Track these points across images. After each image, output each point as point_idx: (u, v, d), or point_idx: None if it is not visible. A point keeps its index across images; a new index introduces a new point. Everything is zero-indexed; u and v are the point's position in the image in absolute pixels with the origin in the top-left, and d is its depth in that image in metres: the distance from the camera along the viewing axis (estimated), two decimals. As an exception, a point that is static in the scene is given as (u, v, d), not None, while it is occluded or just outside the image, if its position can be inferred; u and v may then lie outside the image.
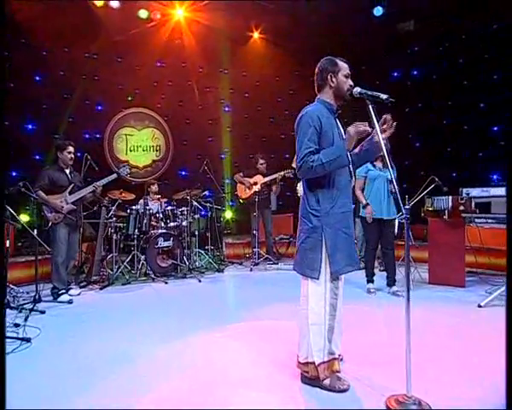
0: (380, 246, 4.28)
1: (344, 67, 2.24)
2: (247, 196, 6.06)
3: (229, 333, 3.07)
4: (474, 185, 4.51)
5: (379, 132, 2.05)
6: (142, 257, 5.01)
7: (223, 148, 7.92)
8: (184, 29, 7.20)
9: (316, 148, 2.07)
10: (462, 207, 4.27)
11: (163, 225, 5.30)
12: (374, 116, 2.04)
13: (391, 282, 4.24)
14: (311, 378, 2.22)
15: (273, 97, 7.89)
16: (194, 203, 5.69)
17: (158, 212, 5.33)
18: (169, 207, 5.48)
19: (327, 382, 2.19)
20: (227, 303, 4.13)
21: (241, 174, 6.18)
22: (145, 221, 5.15)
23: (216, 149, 7.74)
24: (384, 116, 2.13)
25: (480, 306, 3.60)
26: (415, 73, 7.31)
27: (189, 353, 2.71)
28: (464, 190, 4.04)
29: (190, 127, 7.62)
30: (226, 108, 8.04)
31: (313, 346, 2.17)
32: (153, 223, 5.31)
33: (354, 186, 4.15)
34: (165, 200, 5.75)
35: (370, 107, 2.05)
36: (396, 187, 2.21)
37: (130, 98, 7.23)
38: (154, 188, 5.78)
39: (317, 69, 2.28)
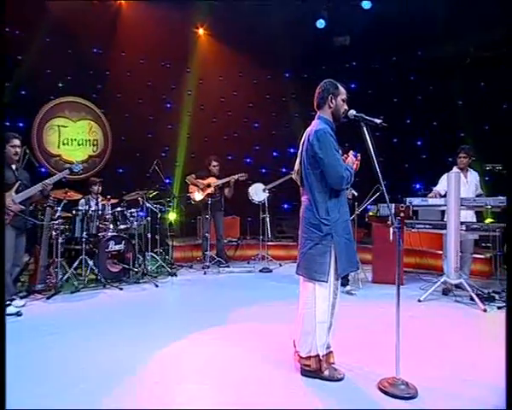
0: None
1: (343, 91, 2.53)
2: (199, 199, 6.11)
3: (215, 336, 3.19)
4: (399, 194, 5.29)
5: (372, 153, 2.38)
6: (91, 262, 4.75)
7: (164, 145, 7.77)
8: (125, 16, 6.91)
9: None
10: (402, 214, 5.00)
11: (112, 227, 5.09)
12: (368, 138, 2.35)
13: (345, 281, 4.72)
14: (311, 371, 2.50)
15: (216, 97, 8.00)
16: (146, 204, 5.54)
17: (107, 213, 5.09)
18: (119, 209, 5.29)
19: (326, 373, 2.50)
20: (200, 307, 4.13)
21: (194, 176, 6.20)
22: (93, 223, 4.88)
23: (156, 146, 7.54)
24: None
25: (419, 300, 4.31)
26: (352, 86, 8.13)
27: (181, 358, 2.78)
28: (408, 200, 4.74)
29: (129, 122, 7.32)
30: (168, 105, 7.91)
31: (318, 341, 2.48)
32: (101, 225, 5.06)
33: None
34: (115, 200, 5.48)
35: (365, 129, 2.37)
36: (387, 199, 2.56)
37: (61, 85, 6.65)
38: (96, 188, 5.43)
39: (319, 88, 2.53)
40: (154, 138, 7.61)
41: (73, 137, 6.91)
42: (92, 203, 5.27)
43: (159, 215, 5.94)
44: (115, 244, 4.95)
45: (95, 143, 7.20)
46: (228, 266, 6.12)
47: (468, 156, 4.70)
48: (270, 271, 5.93)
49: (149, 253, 5.63)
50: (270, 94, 8.21)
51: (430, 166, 6.59)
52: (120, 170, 7.41)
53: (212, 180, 6.13)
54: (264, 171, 8.05)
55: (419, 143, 7.75)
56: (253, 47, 7.53)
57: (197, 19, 7.64)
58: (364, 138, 2.34)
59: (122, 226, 5.23)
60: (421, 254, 5.90)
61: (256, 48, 7.53)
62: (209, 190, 6.07)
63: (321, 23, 7.35)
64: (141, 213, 5.72)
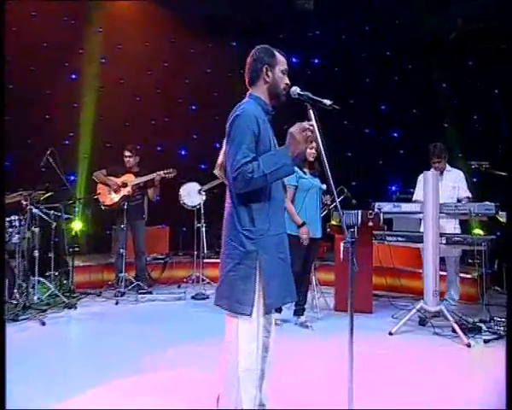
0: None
1: (281, 60, 2.42)
2: (112, 202, 5.90)
3: (120, 392, 3.01)
4: (375, 197, 5.37)
5: (319, 140, 2.30)
6: None
7: (67, 131, 7.46)
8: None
9: (253, 156, 2.21)
10: (370, 224, 5.06)
11: None
12: (314, 121, 2.27)
13: (300, 311, 4.67)
14: (238, 433, 2.36)
15: (141, 69, 7.82)
16: (35, 211, 5.21)
17: None
18: None
19: (257, 436, 2.37)
20: (99, 353, 3.91)
21: (104, 172, 5.99)
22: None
23: (56, 131, 7.18)
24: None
25: (391, 333, 4.32)
26: (315, 61, 8.25)
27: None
28: (376, 205, 4.76)
29: (16, 97, 6.82)
30: (72, 76, 7.60)
31: (244, 396, 2.31)
32: None
33: None
34: None
35: (311, 111, 2.29)
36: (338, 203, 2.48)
37: None
38: None
39: (249, 58, 2.42)
40: (52, 120, 7.28)
41: None
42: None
43: (54, 225, 5.58)
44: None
45: (-39, 123, 6.63)
46: (150, 293, 5.94)
47: (442, 159, 4.81)
48: (207, 297, 5.80)
49: (36, 277, 5.25)
50: (212, 68, 8.10)
51: (409, 164, 6.76)
52: (6, 163, 6.87)
53: (128, 178, 5.94)
54: (203, 167, 7.91)
55: (395, 134, 7.99)
56: (191, 7, 7.41)
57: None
58: (310, 122, 2.26)
59: None
60: (394, 273, 6.01)
61: (194, 8, 7.41)
62: (125, 192, 5.86)
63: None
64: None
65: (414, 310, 4.44)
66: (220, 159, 2.51)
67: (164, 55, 7.90)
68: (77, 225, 6.53)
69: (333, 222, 5.40)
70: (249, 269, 2.24)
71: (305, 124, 2.25)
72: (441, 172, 4.82)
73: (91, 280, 6.35)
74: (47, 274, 5.65)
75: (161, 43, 7.87)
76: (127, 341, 4.22)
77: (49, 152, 5.53)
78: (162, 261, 6.81)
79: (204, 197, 6.22)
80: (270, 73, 2.37)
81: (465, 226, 4.90)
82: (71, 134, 7.47)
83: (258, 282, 2.25)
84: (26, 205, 5.13)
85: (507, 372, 1.82)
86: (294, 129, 2.26)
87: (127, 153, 6.00)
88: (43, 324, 4.60)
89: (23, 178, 6.08)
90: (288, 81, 2.41)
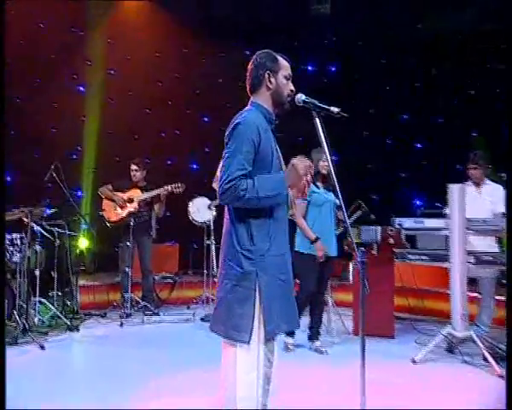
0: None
1: (285, 65, 2.36)
2: (118, 219, 5.87)
3: None
4: (397, 212, 5.20)
5: (327, 151, 2.26)
6: None
7: (74, 144, 7.54)
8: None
9: (250, 170, 2.13)
10: (391, 241, 4.88)
11: None
12: (321, 132, 2.22)
13: (315, 335, 4.53)
14: None
15: (151, 80, 7.88)
16: (36, 227, 5.21)
17: None
18: None
19: None
20: (100, 378, 3.85)
21: (110, 187, 5.96)
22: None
23: (63, 145, 7.27)
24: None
25: (414, 361, 4.12)
26: (332, 69, 8.16)
27: None
28: (397, 221, 4.59)
29: (22, 111, 6.95)
30: (80, 88, 7.71)
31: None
32: None
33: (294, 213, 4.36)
34: None
35: (317, 120, 2.24)
36: (346, 218, 2.41)
37: None
38: None
39: (250, 64, 2.38)
40: (59, 134, 7.35)
41: None
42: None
43: (57, 243, 5.58)
44: None
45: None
46: (157, 314, 5.86)
47: (479, 167, 4.61)
48: (217, 319, 5.64)
49: (37, 298, 5.23)
50: (224, 78, 8.06)
51: (434, 177, 6.58)
52: (7, 178, 6.99)
53: (135, 193, 5.91)
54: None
55: (419, 145, 7.78)
56: (202, 15, 7.46)
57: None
58: (317, 133, 2.24)
59: None
60: (418, 294, 5.82)
61: (206, 16, 7.44)
62: (131, 207, 5.83)
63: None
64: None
65: (440, 335, 4.23)
66: (218, 172, 2.49)
67: (174, 64, 7.93)
68: (82, 243, 6.52)
69: (349, 238, 5.26)
70: (247, 291, 2.16)
71: (308, 163, 2.21)
72: (478, 185, 4.61)
73: (96, 301, 6.29)
74: (50, 294, 5.62)
75: (171, 52, 7.91)
76: (131, 365, 4.16)
77: (53, 167, 5.51)
78: (171, 281, 6.74)
79: (214, 213, 6.12)
80: (272, 79, 2.32)
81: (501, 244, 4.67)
82: (78, 148, 7.55)
83: (257, 306, 2.16)
84: (27, 222, 5.11)
85: (507, 373, 1.81)
86: (298, 163, 2.19)
87: (134, 167, 5.97)
88: (43, 347, 4.52)
89: (29, 193, 6.10)
90: (292, 87, 2.36)
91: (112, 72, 7.71)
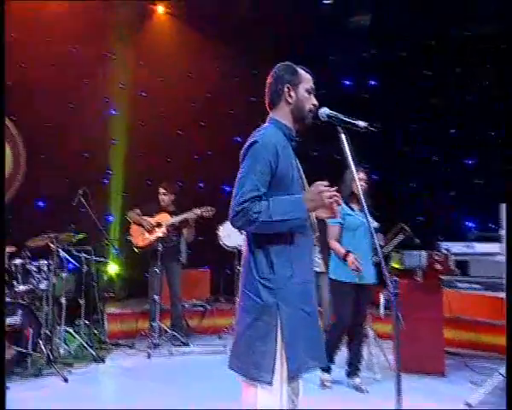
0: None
1: (306, 78, 2.32)
2: (145, 244, 5.87)
3: None
4: (448, 236, 4.95)
5: (354, 170, 2.16)
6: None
7: (105, 168, 7.63)
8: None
9: (264, 192, 2.06)
10: (438, 267, 4.62)
11: (6, 290, 4.78)
12: (347, 149, 2.13)
13: (354, 371, 4.32)
14: None
15: (183, 101, 7.88)
16: (62, 253, 5.28)
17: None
18: (17, 261, 5.00)
19: None
20: None
21: (139, 211, 6.00)
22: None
23: (95, 169, 7.39)
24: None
25: (469, 405, 3.81)
26: (372, 83, 7.98)
27: None
28: (443, 245, 4.38)
29: (54, 135, 7.13)
30: (112, 111, 7.81)
31: None
32: None
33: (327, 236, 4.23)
34: (13, 249, 5.18)
35: (343, 136, 2.15)
36: (378, 245, 2.26)
37: None
38: None
39: (269, 77, 2.35)
40: (91, 158, 7.44)
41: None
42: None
43: (84, 269, 5.64)
44: (6, 316, 4.55)
45: (-3, 164, 6.99)
46: (186, 344, 5.80)
47: None
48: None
49: (63, 327, 5.26)
50: (258, 96, 7.98)
51: (488, 196, 6.20)
52: (40, 203, 7.19)
53: (163, 217, 5.90)
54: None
55: (470, 162, 7.43)
56: (234, 32, 7.46)
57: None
58: (343, 150, 2.15)
59: (21, 288, 4.94)
60: (471, 326, 5.49)
61: (238, 33, 7.44)
62: (159, 232, 5.82)
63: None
64: (71, 266, 5.52)
65: (499, 375, 3.90)
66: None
67: (206, 85, 7.92)
68: (112, 269, 6.55)
69: (393, 265, 5.09)
70: (268, 326, 2.07)
71: (334, 191, 2.08)
72: None
73: (124, 329, 6.27)
74: (77, 323, 5.67)
75: (205, 72, 7.92)
76: (157, 400, 4.12)
77: (81, 192, 5.66)
78: (201, 308, 6.66)
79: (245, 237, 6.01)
80: (292, 93, 2.27)
81: None
82: (109, 172, 7.62)
83: (279, 342, 2.06)
84: (55, 248, 5.18)
85: (507, 373, 1.81)
86: (322, 188, 2.06)
87: (162, 191, 6.00)
88: (66, 380, 4.53)
89: (62, 219, 6.19)
90: (315, 101, 2.30)
91: (144, 94, 7.77)
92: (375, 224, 4.25)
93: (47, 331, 4.96)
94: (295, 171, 2.20)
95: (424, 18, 7.22)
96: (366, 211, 2.14)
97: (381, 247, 4.67)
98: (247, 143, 2.17)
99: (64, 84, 7.17)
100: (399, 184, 7.68)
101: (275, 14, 7.39)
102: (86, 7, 7.01)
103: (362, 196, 2.23)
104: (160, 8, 7.79)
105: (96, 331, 5.83)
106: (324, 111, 2.21)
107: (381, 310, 4.29)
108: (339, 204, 2.15)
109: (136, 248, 5.95)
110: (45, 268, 5.12)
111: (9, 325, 4.63)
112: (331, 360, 4.33)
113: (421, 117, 7.57)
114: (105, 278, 6.35)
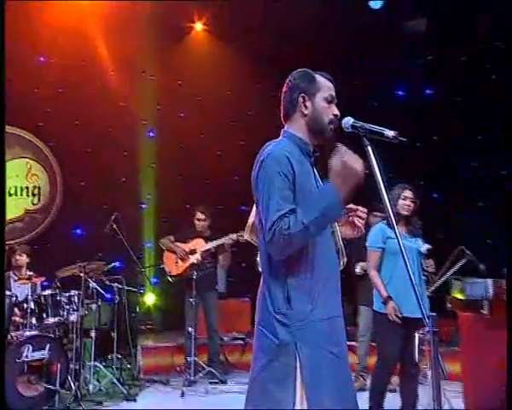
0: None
1: (326, 85, 2.17)
2: (179, 272, 5.85)
3: None
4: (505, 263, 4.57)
5: (382, 186, 1.95)
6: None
7: (143, 193, 7.74)
8: (83, 8, 7.02)
9: (291, 209, 1.90)
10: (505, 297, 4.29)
11: (34, 321, 4.83)
12: (374, 162, 1.97)
13: None
14: None
15: (223, 120, 7.93)
16: (92, 284, 5.32)
17: (27, 300, 4.86)
18: (47, 292, 5.05)
19: None
20: None
21: (172, 238, 6.00)
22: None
23: (132, 194, 7.53)
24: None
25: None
26: (428, 91, 7.72)
27: None
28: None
29: (92, 161, 7.34)
30: (150, 134, 7.95)
31: None
32: (16, 318, 4.86)
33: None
34: (43, 279, 5.28)
35: (369, 148, 2.00)
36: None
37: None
38: (23, 259, 5.29)
39: (285, 86, 2.22)
40: (128, 182, 7.60)
41: (1, 184, 7.02)
42: (14, 285, 5.15)
43: (116, 299, 5.67)
44: (34, 350, 4.60)
45: (36, 191, 7.25)
46: (224, 382, 5.68)
47: None
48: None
49: (92, 362, 5.26)
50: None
51: None
52: (77, 231, 7.37)
53: (198, 243, 5.88)
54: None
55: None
56: (275, 47, 7.44)
57: (193, 10, 7.72)
58: (369, 163, 1.97)
59: (51, 320, 4.95)
60: None
61: (279, 47, 7.41)
62: (193, 259, 5.78)
63: (375, 2, 7.22)
64: (107, 296, 5.63)
65: None
66: (251, 220, 2.34)
67: (247, 103, 7.91)
68: (149, 299, 6.54)
69: (454, 295, 4.73)
70: (286, 368, 1.91)
71: (351, 155, 1.94)
72: None
73: (159, 364, 6.24)
74: (109, 357, 5.68)
75: (245, 90, 7.90)
76: None
77: (113, 218, 5.73)
78: (241, 342, 6.51)
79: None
80: (308, 103, 2.13)
81: None
82: (148, 197, 7.73)
83: (298, 387, 1.90)
84: (85, 278, 5.21)
85: (507, 372, 1.81)
86: (337, 161, 1.93)
87: (199, 215, 5.97)
88: (91, 421, 4.49)
89: (99, 246, 6.23)
90: (336, 111, 2.14)
91: (182, 114, 7.86)
92: (425, 247, 3.98)
93: (76, 366, 4.99)
94: (315, 186, 2.05)
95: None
96: (397, 233, 1.96)
97: (433, 274, 4.38)
98: (257, 164, 2.07)
99: (101, 107, 7.38)
100: (464, 203, 7.35)
101: (319, 28, 7.31)
102: (123, 29, 7.19)
103: (392, 216, 2.03)
104: (199, 26, 7.86)
105: (128, 366, 5.84)
106: (348, 121, 2.05)
107: (416, 354, 3.83)
108: (361, 218, 2.06)
109: (170, 276, 5.95)
110: (76, 299, 5.14)
111: (37, 360, 4.65)
112: (381, 407, 4.03)
113: (486, 129, 7.25)
114: (140, 308, 6.34)
